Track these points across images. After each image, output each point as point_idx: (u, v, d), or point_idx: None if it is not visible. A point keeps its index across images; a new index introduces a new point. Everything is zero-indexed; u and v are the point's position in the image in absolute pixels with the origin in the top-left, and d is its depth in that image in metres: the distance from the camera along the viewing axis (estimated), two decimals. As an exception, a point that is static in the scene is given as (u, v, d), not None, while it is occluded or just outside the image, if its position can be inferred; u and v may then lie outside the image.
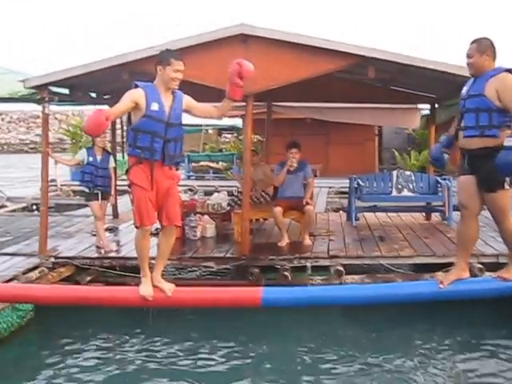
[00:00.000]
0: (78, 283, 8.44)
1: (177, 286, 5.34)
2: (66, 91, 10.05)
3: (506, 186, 4.79)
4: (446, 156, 5.46)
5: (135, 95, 5.06)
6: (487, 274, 7.74)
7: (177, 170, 5.54)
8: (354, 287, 5.50)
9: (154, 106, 5.04)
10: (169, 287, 5.20)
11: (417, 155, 22.74)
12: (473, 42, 5.02)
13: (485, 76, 4.87)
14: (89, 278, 8.69)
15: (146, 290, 5.14)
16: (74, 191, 17.91)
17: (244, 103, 8.29)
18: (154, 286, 5.19)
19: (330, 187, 18.97)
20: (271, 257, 8.86)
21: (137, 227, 5.18)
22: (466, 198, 4.99)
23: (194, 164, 24.22)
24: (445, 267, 8.42)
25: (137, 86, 5.13)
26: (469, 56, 5.01)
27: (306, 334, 8.02)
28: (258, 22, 8.57)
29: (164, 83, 5.14)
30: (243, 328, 7.96)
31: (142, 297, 5.12)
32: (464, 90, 5.11)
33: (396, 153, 23.86)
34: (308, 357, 7.15)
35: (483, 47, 4.95)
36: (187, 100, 5.34)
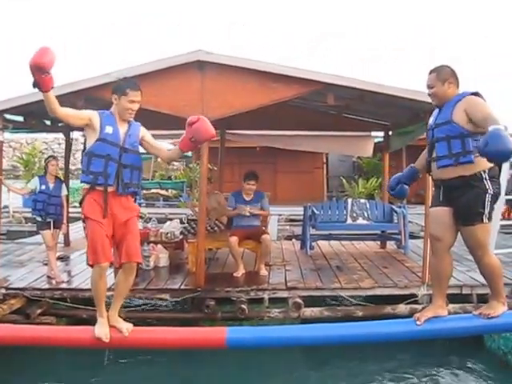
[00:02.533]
0: (28, 316, 8.09)
1: (131, 319, 4.98)
2: (20, 118, 9.76)
3: (485, 220, 4.54)
4: (406, 187, 5.32)
5: (90, 113, 4.80)
6: (451, 305, 7.61)
7: (135, 201, 5.18)
8: (327, 326, 5.14)
9: (108, 130, 4.76)
10: (126, 327, 4.78)
11: (364, 183, 22.88)
12: (432, 72, 4.80)
13: (450, 102, 4.66)
14: (39, 311, 8.29)
15: (101, 330, 4.70)
16: (26, 218, 17.66)
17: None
18: (111, 326, 4.79)
19: (280, 215, 18.83)
20: (227, 288, 8.58)
21: (91, 265, 4.76)
22: (439, 230, 4.74)
23: (144, 191, 24.09)
24: (407, 299, 8.34)
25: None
26: (430, 86, 4.79)
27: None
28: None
29: (118, 113, 4.87)
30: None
31: (97, 338, 4.74)
32: (431, 121, 4.89)
33: (344, 180, 23.94)
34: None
35: (444, 75, 4.72)
36: (143, 132, 5.05)
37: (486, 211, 4.54)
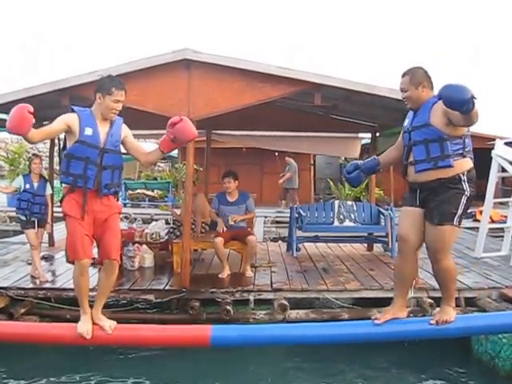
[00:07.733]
0: (11, 315, 7.97)
1: (115, 320, 4.90)
2: (5, 117, 9.65)
3: (456, 222, 4.46)
4: (362, 174, 5.21)
5: (68, 118, 4.73)
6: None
7: (117, 200, 5.11)
8: (309, 326, 5.13)
9: (88, 131, 4.70)
10: (110, 324, 4.73)
11: (351, 185, 22.79)
12: (404, 75, 4.67)
13: (427, 104, 4.55)
14: (23, 310, 8.23)
15: (84, 327, 4.65)
16: (10, 217, 17.69)
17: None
18: (94, 323, 4.73)
19: (266, 216, 18.78)
20: (212, 289, 8.50)
21: (71, 262, 4.73)
22: (406, 230, 4.66)
23: (130, 191, 24.06)
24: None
25: (73, 111, 4.80)
26: (403, 90, 4.68)
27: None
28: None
29: (101, 112, 4.80)
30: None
31: (79, 334, 4.64)
32: (406, 123, 4.78)
33: (331, 182, 23.89)
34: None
35: (418, 79, 4.61)
36: (126, 131, 4.98)
37: (459, 212, 4.47)
